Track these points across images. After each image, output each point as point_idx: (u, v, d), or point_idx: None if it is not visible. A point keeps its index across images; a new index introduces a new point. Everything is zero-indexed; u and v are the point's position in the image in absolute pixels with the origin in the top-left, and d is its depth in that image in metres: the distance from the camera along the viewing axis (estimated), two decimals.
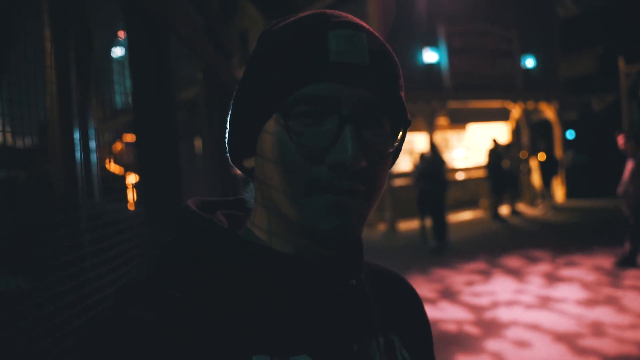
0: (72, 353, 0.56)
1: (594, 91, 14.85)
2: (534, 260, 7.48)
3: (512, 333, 4.77)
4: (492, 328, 4.94)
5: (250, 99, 0.64)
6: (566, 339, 4.53)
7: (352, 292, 0.68)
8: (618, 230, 6.47)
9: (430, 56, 12.01)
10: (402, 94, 0.65)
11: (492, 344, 4.55)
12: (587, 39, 15.09)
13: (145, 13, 2.19)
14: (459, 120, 13.68)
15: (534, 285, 6.28)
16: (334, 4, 12.13)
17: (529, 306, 5.51)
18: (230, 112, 0.68)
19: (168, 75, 2.38)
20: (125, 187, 2.28)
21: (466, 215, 12.60)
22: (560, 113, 14.16)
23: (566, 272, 6.71)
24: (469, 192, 13.10)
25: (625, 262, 6.61)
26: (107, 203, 1.99)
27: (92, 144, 1.75)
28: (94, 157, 1.75)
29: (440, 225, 8.90)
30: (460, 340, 4.70)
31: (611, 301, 5.45)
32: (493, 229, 10.78)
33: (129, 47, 2.23)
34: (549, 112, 14.25)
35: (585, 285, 6.08)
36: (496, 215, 11.66)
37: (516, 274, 6.85)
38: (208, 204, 0.71)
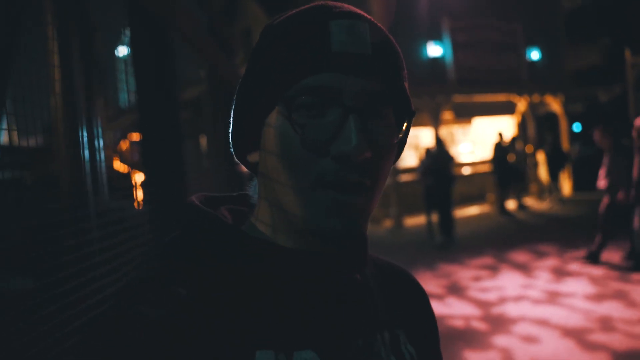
0: (76, 351, 0.55)
1: (600, 83, 14.77)
2: (541, 255, 7.46)
3: (520, 328, 4.75)
4: (500, 323, 4.92)
5: (252, 93, 0.64)
6: (575, 334, 4.51)
7: (356, 287, 0.67)
8: (623, 223, 6.46)
9: (434, 50, 11.98)
10: (406, 84, 0.65)
11: (500, 340, 4.54)
12: (593, 31, 15.00)
13: (148, 12, 2.19)
14: (464, 114, 13.64)
15: (542, 280, 6.26)
16: None
17: (537, 301, 5.49)
18: (233, 108, 0.68)
19: (172, 74, 2.38)
20: (131, 186, 2.29)
21: (473, 210, 12.57)
22: (566, 106, 14.09)
23: (574, 266, 6.68)
24: (475, 186, 13.07)
25: (592, 257, 6.62)
26: (114, 201, 1.99)
27: (99, 143, 1.76)
28: (100, 155, 1.75)
29: (447, 220, 8.88)
30: (467, 336, 4.69)
31: (620, 296, 5.43)
32: (500, 223, 10.75)
33: (132, 45, 2.23)
34: (555, 105, 14.18)
35: (593, 279, 6.05)
36: (503, 210, 11.63)
37: (524, 268, 6.82)
38: (212, 200, 0.71)
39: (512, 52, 13.09)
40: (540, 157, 13.67)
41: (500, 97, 13.41)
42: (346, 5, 0.63)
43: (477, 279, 6.56)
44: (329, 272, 0.64)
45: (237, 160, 0.71)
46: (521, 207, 12.20)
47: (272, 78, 0.61)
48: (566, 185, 13.91)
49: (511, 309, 5.29)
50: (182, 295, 0.57)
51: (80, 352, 0.55)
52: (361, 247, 0.69)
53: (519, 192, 12.27)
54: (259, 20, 16.08)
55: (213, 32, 3.91)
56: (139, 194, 2.20)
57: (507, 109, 14.01)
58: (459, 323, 5.03)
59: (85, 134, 1.65)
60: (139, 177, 2.26)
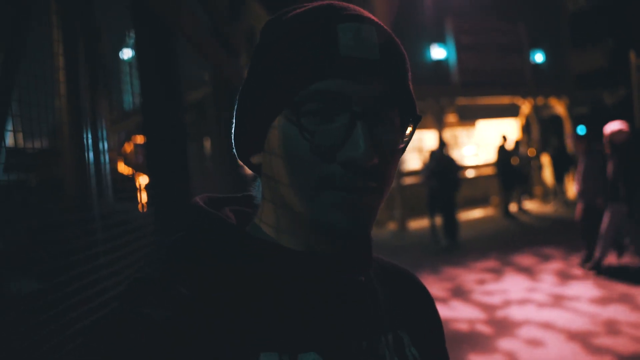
0: (79, 352, 0.55)
1: (604, 85, 14.73)
2: (546, 258, 7.42)
3: (525, 332, 4.73)
4: (505, 327, 4.90)
5: (256, 94, 0.63)
6: (580, 338, 4.48)
7: (360, 289, 0.67)
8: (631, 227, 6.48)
9: (438, 52, 11.96)
10: (411, 86, 0.65)
11: (505, 343, 4.52)
12: (597, 33, 14.97)
13: (152, 14, 2.19)
14: (468, 117, 13.61)
15: (547, 283, 6.23)
16: None
17: (541, 305, 5.47)
18: (236, 108, 0.67)
19: (176, 77, 2.38)
20: (135, 188, 2.29)
21: (477, 213, 12.53)
22: (570, 108, 14.05)
23: (579, 269, 6.65)
24: (479, 189, 13.04)
25: (591, 263, 6.57)
26: (118, 203, 1.99)
27: (103, 145, 1.76)
28: (105, 158, 1.76)
29: (451, 223, 8.86)
30: (472, 340, 4.67)
31: (625, 299, 5.40)
32: (504, 226, 10.71)
33: (137, 48, 2.24)
34: (559, 107, 14.15)
35: (598, 283, 6.02)
36: (507, 213, 11.60)
37: (528, 272, 6.80)
38: (216, 200, 0.71)
39: (516, 54, 13.07)
40: (545, 159, 13.64)
41: (505, 100, 13.38)
42: (352, 6, 0.62)
43: (481, 282, 6.54)
44: (332, 273, 0.63)
45: (239, 161, 0.70)
46: (521, 210, 12.16)
47: (278, 81, 0.60)
48: (571, 188, 13.87)
49: (516, 312, 5.27)
50: (185, 296, 0.56)
51: (84, 353, 0.54)
52: (365, 249, 0.69)
53: (520, 196, 12.24)
54: (262, 21, 16.09)
55: (216, 33, 3.91)
56: (143, 196, 2.20)
57: (511, 111, 13.98)
58: (463, 326, 5.01)
59: (89, 136, 1.66)
60: (143, 180, 2.27)
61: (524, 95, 13.38)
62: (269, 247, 0.62)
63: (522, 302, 5.61)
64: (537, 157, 13.44)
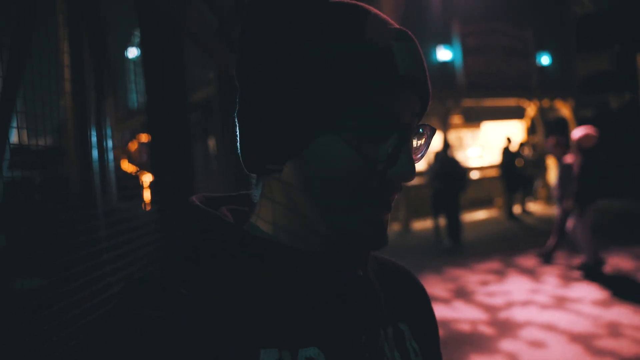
0: (79, 351, 0.56)
1: (610, 89, 14.66)
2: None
3: (527, 333, 4.73)
4: (507, 328, 4.90)
5: (289, 99, 0.59)
6: (582, 340, 4.48)
7: (358, 284, 0.68)
8: (635, 230, 6.48)
9: (444, 54, 11.94)
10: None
11: (507, 345, 4.51)
12: (603, 37, 14.90)
13: (158, 13, 2.20)
14: (474, 118, 13.58)
15: (550, 285, 6.22)
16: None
17: (544, 306, 5.46)
18: (251, 111, 0.63)
19: (181, 76, 2.39)
20: (140, 187, 2.30)
21: (481, 214, 12.51)
22: (576, 111, 13.99)
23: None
24: (483, 191, 13.01)
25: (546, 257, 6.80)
26: (123, 202, 2.01)
27: (108, 144, 1.77)
28: (109, 156, 1.77)
29: (455, 224, 8.84)
30: (474, 341, 4.67)
31: (628, 301, 5.38)
32: (508, 228, 10.69)
33: (142, 47, 2.25)
34: (564, 110, 14.09)
35: (601, 285, 6.00)
36: (511, 215, 11.57)
37: (531, 273, 6.78)
38: (212, 200, 0.71)
39: (522, 57, 13.03)
40: (550, 162, 13.59)
41: (510, 102, 13.35)
42: (392, 21, 0.63)
43: (484, 283, 6.53)
44: (330, 270, 0.64)
45: (245, 167, 0.67)
46: (524, 212, 12.12)
47: (327, 92, 0.57)
48: None
49: (518, 314, 5.26)
50: (184, 295, 0.57)
51: (84, 352, 0.55)
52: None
53: (524, 198, 12.20)
54: None
55: (222, 33, 3.92)
56: (147, 195, 2.22)
57: (516, 113, 13.93)
58: (465, 327, 5.01)
59: (94, 134, 1.67)
60: (147, 178, 2.28)
61: (530, 98, 13.34)
62: (267, 245, 0.62)
63: (525, 303, 5.60)
64: (543, 159, 13.39)
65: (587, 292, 5.78)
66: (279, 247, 0.62)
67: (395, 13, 11.06)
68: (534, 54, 13.21)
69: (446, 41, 11.96)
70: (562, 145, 7.03)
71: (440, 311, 5.43)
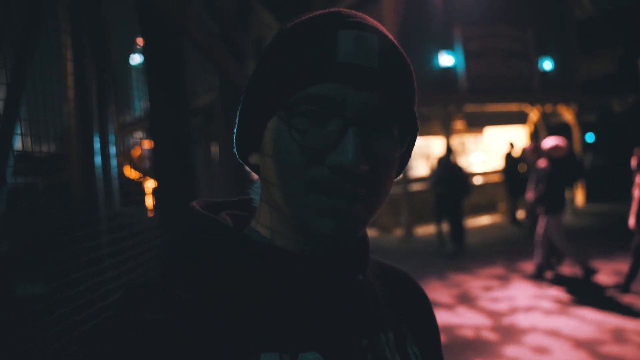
0: (79, 356, 0.57)
1: (613, 93, 14.64)
2: (552, 265, 7.37)
3: (531, 339, 4.70)
4: (511, 334, 4.87)
5: (256, 95, 0.64)
6: (587, 346, 4.45)
7: (358, 288, 0.67)
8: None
9: (446, 59, 11.95)
10: (415, 99, 0.64)
11: (511, 350, 4.49)
12: (605, 40, 14.90)
13: (161, 20, 2.21)
14: (476, 123, 13.56)
15: (554, 290, 6.19)
16: (348, 7, 12.13)
17: (548, 312, 5.43)
18: (239, 109, 0.68)
19: (184, 82, 2.40)
20: (143, 192, 2.31)
21: (484, 219, 12.48)
22: (579, 115, 13.98)
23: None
24: (486, 196, 12.99)
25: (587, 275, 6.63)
26: (126, 208, 2.01)
27: (111, 150, 1.78)
28: (113, 162, 1.77)
29: (458, 229, 8.83)
30: (477, 346, 4.65)
31: (633, 307, 5.35)
32: (511, 233, 10.65)
33: (145, 54, 2.26)
34: (567, 115, 14.08)
35: (605, 290, 5.97)
36: (514, 220, 11.54)
37: (535, 279, 6.75)
38: (212, 205, 0.72)
39: (524, 61, 13.03)
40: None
41: (512, 107, 13.34)
42: (358, 14, 0.62)
43: (487, 288, 6.50)
44: (329, 273, 0.64)
45: (240, 161, 0.71)
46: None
47: (277, 83, 0.61)
48: (579, 196, 13.78)
49: (522, 320, 5.24)
50: (184, 298, 0.57)
51: (85, 354, 0.55)
52: (362, 249, 0.70)
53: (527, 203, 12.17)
54: (270, 27, 16.16)
55: (225, 39, 3.93)
56: (150, 201, 2.22)
57: (519, 118, 13.92)
58: (469, 333, 4.99)
59: (97, 141, 1.67)
60: (150, 184, 2.28)
61: (532, 103, 13.32)
62: (266, 249, 0.62)
63: (529, 309, 5.57)
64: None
65: (592, 297, 5.75)
66: (275, 250, 0.62)
67: (395, 19, 11.09)
68: (535, 58, 13.20)
69: (448, 46, 11.97)
70: (538, 151, 7.13)
71: (444, 317, 5.41)
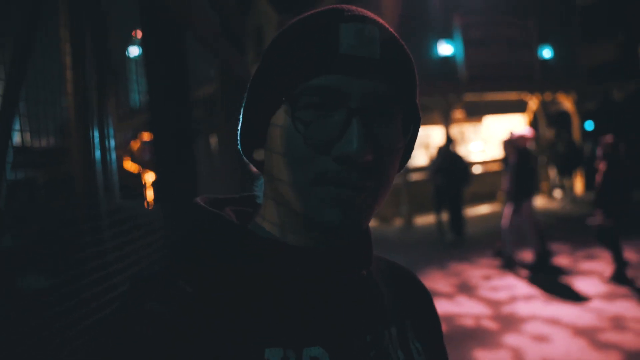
0: (86, 348, 0.57)
1: (614, 80, 14.59)
2: (552, 254, 7.40)
3: (531, 328, 4.73)
4: (511, 323, 4.90)
5: (260, 90, 0.65)
6: (586, 334, 4.48)
7: (361, 283, 0.68)
8: (639, 224, 6.53)
9: (445, 48, 11.91)
10: (416, 90, 0.65)
11: (511, 339, 4.52)
12: (606, 27, 14.83)
13: (161, 11, 2.20)
14: (476, 112, 13.55)
15: (554, 279, 6.21)
16: (344, 1, 12.05)
17: (547, 300, 5.46)
18: (243, 105, 0.69)
19: (183, 73, 2.39)
20: (143, 185, 2.31)
21: (483, 209, 12.49)
22: (579, 104, 13.95)
23: (586, 265, 6.63)
24: (486, 185, 12.99)
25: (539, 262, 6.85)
26: (126, 201, 2.01)
27: (111, 143, 1.77)
28: (112, 155, 1.77)
29: (457, 219, 8.84)
30: (478, 335, 4.67)
31: (632, 295, 5.38)
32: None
33: (144, 45, 2.25)
34: (567, 103, 14.05)
35: (605, 278, 5.99)
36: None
37: (535, 267, 6.78)
38: (217, 201, 0.72)
39: (524, 49, 12.97)
40: (553, 155, 13.56)
41: (512, 96, 13.31)
42: (360, 10, 0.63)
43: (487, 277, 6.53)
44: (333, 268, 0.64)
45: (244, 158, 0.71)
46: None
47: (280, 76, 0.61)
48: (578, 185, 13.79)
49: (522, 308, 5.26)
50: (187, 293, 0.57)
51: (90, 348, 0.56)
52: (365, 244, 0.70)
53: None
54: (270, 18, 16.10)
55: (225, 30, 3.92)
56: (150, 193, 2.22)
57: (518, 107, 13.89)
58: (469, 322, 5.02)
59: (97, 134, 1.67)
60: (150, 177, 2.28)
61: (532, 91, 13.29)
62: (270, 244, 0.62)
63: (528, 297, 5.60)
64: (544, 152, 13.35)
65: (591, 286, 5.78)
66: (281, 245, 0.62)
67: (394, 8, 11.03)
68: (535, 46, 13.15)
69: (447, 35, 11.92)
70: (511, 142, 7.35)
71: (444, 306, 5.43)
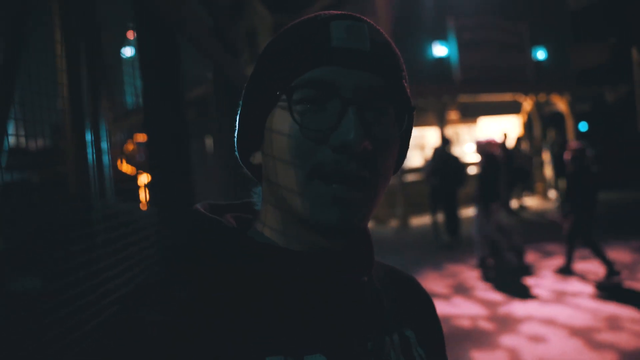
0: (79, 356, 0.56)
1: (606, 82, 14.69)
2: (548, 255, 7.43)
3: (527, 328, 4.74)
4: (507, 323, 4.91)
5: (254, 93, 0.66)
6: (582, 334, 4.49)
7: (363, 290, 0.67)
8: (633, 223, 6.55)
9: (440, 50, 11.95)
10: (406, 84, 0.66)
11: (507, 340, 4.52)
12: (599, 30, 14.93)
13: (154, 13, 2.19)
14: (470, 114, 13.59)
15: (549, 279, 6.23)
16: (339, 2, 12.08)
17: (543, 301, 5.47)
18: (239, 112, 0.69)
19: (177, 75, 2.38)
20: (137, 187, 2.29)
21: None
22: (572, 105, 14.02)
23: (581, 265, 6.65)
24: None
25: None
26: (120, 203, 1.99)
27: (104, 145, 1.76)
28: (106, 157, 1.76)
29: (453, 220, 8.85)
30: (474, 336, 4.68)
31: (628, 295, 5.40)
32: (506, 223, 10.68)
33: (138, 47, 2.24)
34: (561, 104, 14.12)
35: (600, 279, 6.01)
36: (508, 210, 11.57)
37: (530, 268, 6.79)
38: (216, 207, 0.72)
39: (518, 51, 13.04)
40: (546, 156, 13.62)
41: (506, 97, 13.36)
42: (349, 12, 0.65)
43: (483, 278, 6.54)
44: (333, 273, 0.63)
45: (241, 164, 0.72)
46: (522, 207, 12.15)
47: (274, 76, 0.63)
48: None
49: (518, 309, 5.27)
50: (185, 299, 0.57)
51: (89, 351, 0.55)
52: (366, 249, 0.69)
53: (522, 192, 12.23)
54: (264, 20, 16.09)
55: (218, 32, 3.91)
56: (145, 195, 2.21)
57: (512, 108, 13.94)
58: (465, 323, 5.02)
59: (91, 135, 1.66)
60: (144, 178, 2.27)
61: (526, 92, 13.35)
62: (270, 249, 0.62)
63: (524, 298, 5.61)
64: (539, 153, 13.40)
65: (586, 286, 5.80)
66: (280, 250, 0.62)
67: (388, 10, 11.05)
68: (529, 48, 13.23)
69: (441, 37, 11.97)
70: (481, 149, 7.50)
71: (440, 307, 5.43)
